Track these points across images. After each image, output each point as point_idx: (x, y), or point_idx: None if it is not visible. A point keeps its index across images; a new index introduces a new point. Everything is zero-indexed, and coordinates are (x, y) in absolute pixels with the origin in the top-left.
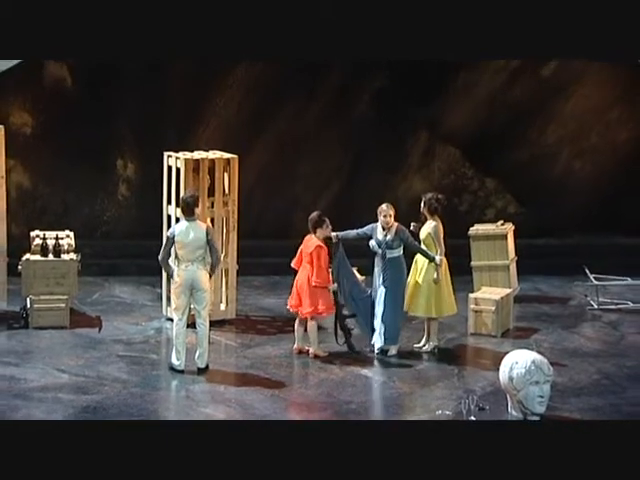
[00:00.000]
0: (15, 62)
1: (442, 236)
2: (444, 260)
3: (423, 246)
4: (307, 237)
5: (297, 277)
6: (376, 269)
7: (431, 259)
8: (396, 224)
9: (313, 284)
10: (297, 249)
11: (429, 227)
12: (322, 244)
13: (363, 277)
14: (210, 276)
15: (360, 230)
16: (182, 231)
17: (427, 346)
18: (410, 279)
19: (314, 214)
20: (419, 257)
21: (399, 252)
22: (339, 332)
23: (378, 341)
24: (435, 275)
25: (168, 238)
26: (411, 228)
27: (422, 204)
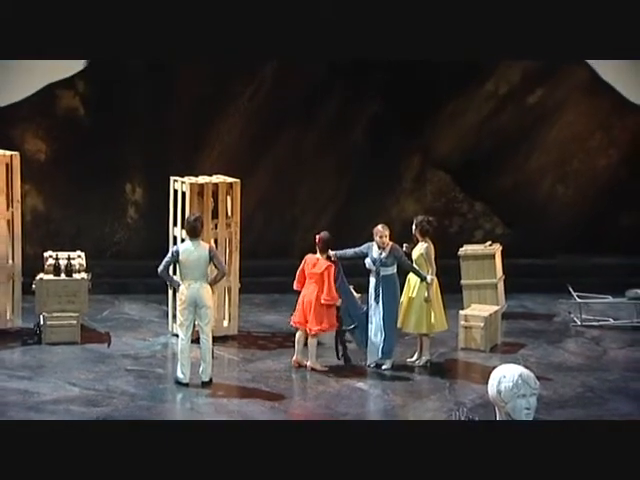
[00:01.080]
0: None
1: (433, 256)
2: (435, 279)
3: (415, 266)
4: (309, 257)
5: (303, 295)
6: (371, 286)
7: (423, 278)
8: (391, 243)
9: (323, 302)
10: (296, 269)
11: (421, 248)
12: (331, 263)
13: (359, 295)
14: (211, 285)
15: (357, 249)
16: (186, 250)
17: (420, 360)
18: (403, 297)
19: (328, 235)
20: (411, 276)
21: (393, 270)
22: (339, 346)
23: (373, 355)
24: (426, 294)
25: (172, 254)
26: (404, 249)
27: (414, 226)
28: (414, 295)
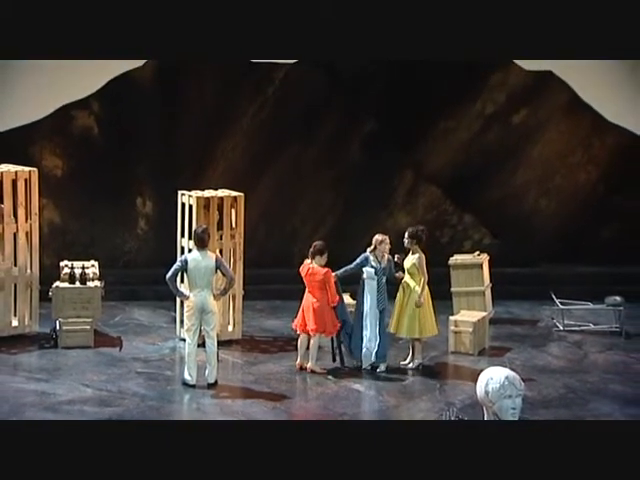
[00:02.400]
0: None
1: (425, 265)
2: (426, 287)
3: (407, 275)
4: (307, 266)
5: (310, 302)
6: (368, 294)
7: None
8: (387, 254)
9: (332, 305)
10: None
11: (414, 258)
12: (329, 269)
13: (355, 302)
14: (223, 294)
15: (355, 264)
16: (194, 259)
17: (412, 363)
18: (396, 303)
19: (320, 243)
20: (404, 283)
21: (385, 278)
22: (335, 349)
23: (368, 359)
24: (417, 298)
25: (181, 262)
26: (395, 259)
27: (408, 237)
28: (407, 301)
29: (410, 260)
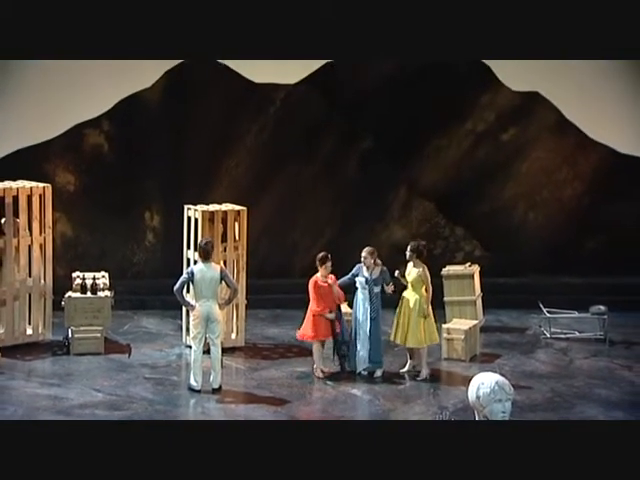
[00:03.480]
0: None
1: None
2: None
3: (410, 287)
4: None
5: None
6: (361, 303)
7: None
8: (382, 266)
9: (313, 313)
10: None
11: (418, 270)
12: (316, 279)
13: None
14: (228, 304)
15: (350, 274)
16: (200, 271)
17: (406, 367)
18: (401, 314)
19: (321, 255)
20: (407, 294)
21: (379, 288)
22: (335, 355)
23: (361, 364)
24: (425, 311)
25: (187, 274)
26: (396, 274)
27: (410, 251)
28: (412, 313)
29: (415, 272)
